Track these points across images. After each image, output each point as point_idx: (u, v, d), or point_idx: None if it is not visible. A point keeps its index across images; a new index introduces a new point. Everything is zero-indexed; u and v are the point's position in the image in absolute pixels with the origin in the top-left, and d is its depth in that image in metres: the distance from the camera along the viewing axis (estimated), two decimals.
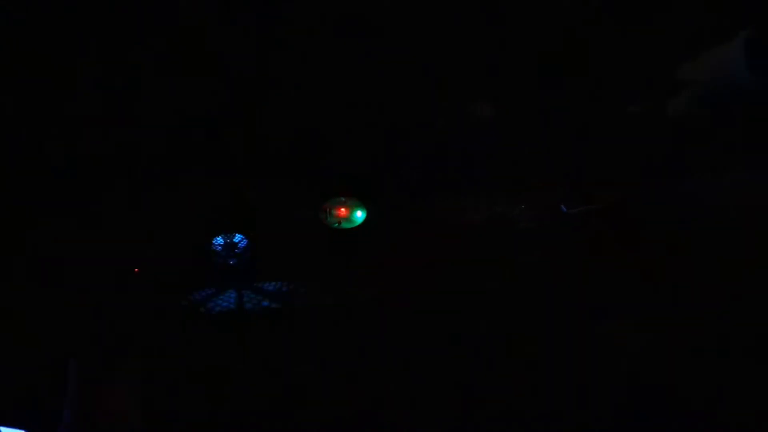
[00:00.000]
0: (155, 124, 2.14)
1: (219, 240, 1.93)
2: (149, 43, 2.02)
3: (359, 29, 2.19)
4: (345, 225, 1.96)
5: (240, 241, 1.93)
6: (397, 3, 2.22)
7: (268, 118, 2.14)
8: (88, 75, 1.98)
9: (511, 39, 2.19)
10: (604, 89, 2.15)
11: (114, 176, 2.03)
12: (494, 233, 1.95)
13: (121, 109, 2.15)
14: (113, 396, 1.34)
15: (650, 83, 1.51)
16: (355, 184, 2.01)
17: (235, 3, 2.06)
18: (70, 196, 2.03)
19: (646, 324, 1.78)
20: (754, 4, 1.58)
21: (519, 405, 1.61)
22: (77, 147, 2.04)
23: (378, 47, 2.23)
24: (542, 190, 2.01)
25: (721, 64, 1.26)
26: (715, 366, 1.63)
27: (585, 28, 2.15)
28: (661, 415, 1.62)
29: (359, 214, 1.98)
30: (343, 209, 1.97)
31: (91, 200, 2.02)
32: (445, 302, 1.83)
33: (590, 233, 1.92)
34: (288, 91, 2.20)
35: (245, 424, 1.59)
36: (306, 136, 2.15)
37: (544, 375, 1.66)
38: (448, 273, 1.90)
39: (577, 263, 1.89)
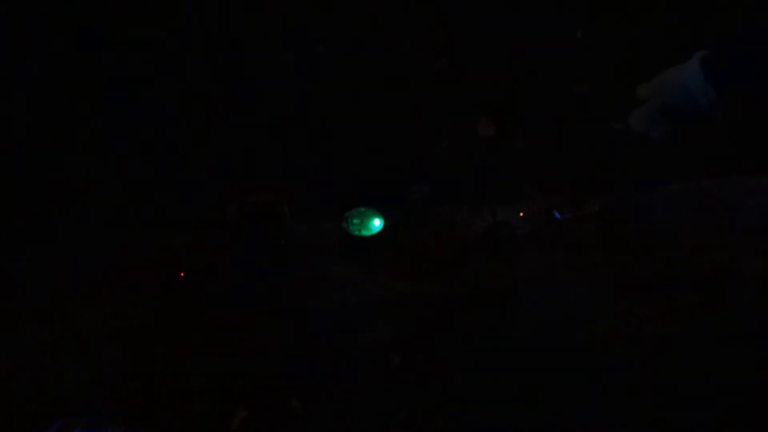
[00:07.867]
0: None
1: (255, 246, 2.20)
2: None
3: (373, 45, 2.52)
4: (364, 232, 2.22)
5: (274, 247, 2.20)
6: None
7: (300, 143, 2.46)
8: None
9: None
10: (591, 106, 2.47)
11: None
12: (496, 238, 2.22)
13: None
14: None
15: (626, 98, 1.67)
16: (373, 196, 2.29)
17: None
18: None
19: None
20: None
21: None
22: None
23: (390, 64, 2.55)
24: (537, 199, 2.30)
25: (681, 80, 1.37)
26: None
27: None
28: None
29: (377, 223, 2.23)
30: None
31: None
32: (453, 296, 2.08)
33: (580, 236, 2.20)
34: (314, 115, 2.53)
35: None
36: (330, 155, 2.47)
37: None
38: (456, 272, 2.16)
39: (569, 262, 2.15)
